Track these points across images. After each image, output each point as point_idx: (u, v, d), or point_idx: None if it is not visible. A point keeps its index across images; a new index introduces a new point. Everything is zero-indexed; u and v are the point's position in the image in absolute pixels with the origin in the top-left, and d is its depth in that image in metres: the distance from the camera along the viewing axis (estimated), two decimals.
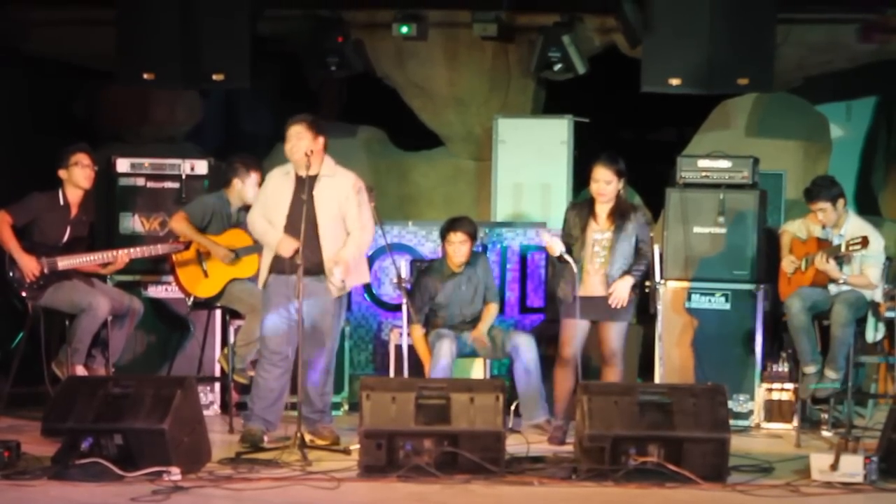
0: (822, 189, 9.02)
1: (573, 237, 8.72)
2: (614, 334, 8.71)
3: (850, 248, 8.77)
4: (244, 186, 9.21)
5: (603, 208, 8.71)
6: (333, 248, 8.28)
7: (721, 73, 9.91)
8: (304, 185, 8.21)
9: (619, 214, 8.69)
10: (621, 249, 8.67)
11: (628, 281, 8.65)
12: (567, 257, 8.61)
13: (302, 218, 8.11)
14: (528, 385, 9.17)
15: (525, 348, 9.18)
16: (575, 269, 8.61)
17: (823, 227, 9.06)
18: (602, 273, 8.68)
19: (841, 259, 8.92)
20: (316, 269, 8.25)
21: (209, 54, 10.14)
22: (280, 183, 8.41)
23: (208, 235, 9.17)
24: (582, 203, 8.88)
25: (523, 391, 9.17)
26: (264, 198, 8.45)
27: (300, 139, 8.23)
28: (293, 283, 8.19)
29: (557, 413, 8.78)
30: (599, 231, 8.70)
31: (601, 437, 7.44)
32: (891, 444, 7.60)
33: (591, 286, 8.68)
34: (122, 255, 9.10)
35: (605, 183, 8.65)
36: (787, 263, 9.18)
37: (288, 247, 8.21)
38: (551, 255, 8.78)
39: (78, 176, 9.07)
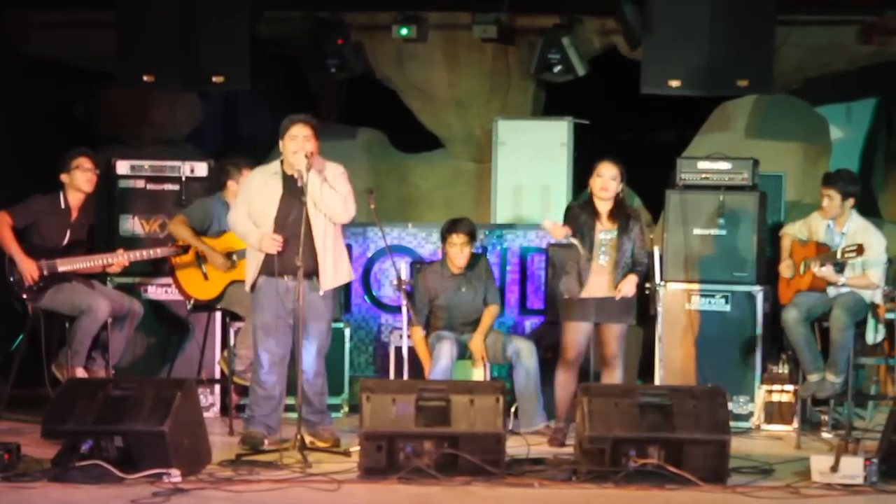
0: (840, 179, 9.04)
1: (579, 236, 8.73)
2: (616, 336, 8.72)
3: (846, 255, 8.76)
4: (239, 186, 9.19)
5: (604, 208, 8.71)
6: (326, 249, 8.28)
7: (721, 75, 9.91)
8: (294, 186, 8.19)
9: (623, 215, 8.70)
10: (626, 250, 8.68)
11: (634, 280, 8.67)
12: (574, 240, 8.59)
13: (292, 219, 8.11)
14: (527, 391, 9.16)
15: (526, 354, 9.18)
16: (582, 252, 8.60)
17: (827, 223, 9.06)
18: (607, 273, 8.68)
19: (839, 264, 8.91)
20: (309, 271, 8.23)
21: (209, 56, 10.13)
22: (267, 183, 8.33)
23: (206, 239, 9.16)
24: (583, 203, 8.87)
25: (522, 397, 9.16)
26: (247, 198, 8.38)
27: (308, 141, 8.21)
28: (284, 286, 8.19)
29: (559, 415, 8.79)
30: (604, 231, 8.71)
31: (601, 438, 7.44)
32: (891, 445, 7.60)
33: (595, 287, 8.68)
34: (122, 258, 9.09)
35: (611, 179, 8.66)
36: (785, 268, 9.19)
37: (271, 244, 8.19)
38: (557, 239, 8.73)
39: (80, 179, 9.07)
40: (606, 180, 8.68)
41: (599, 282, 8.69)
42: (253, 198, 8.34)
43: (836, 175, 9.14)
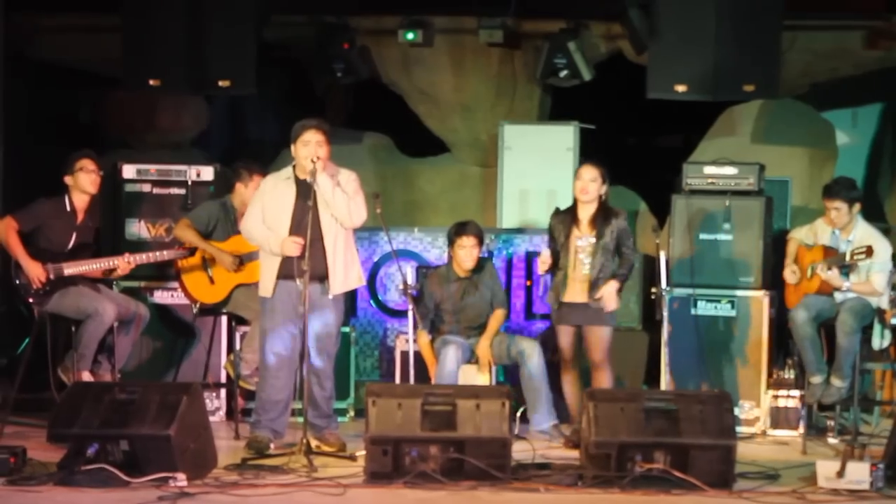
0: (842, 188, 9.04)
1: (558, 243, 8.80)
2: (599, 339, 8.78)
3: (855, 257, 8.77)
4: (247, 191, 9.21)
5: (585, 212, 8.78)
6: (337, 253, 8.29)
7: (727, 80, 9.91)
8: (308, 190, 8.21)
9: (602, 219, 8.75)
10: (604, 255, 8.72)
11: (614, 285, 8.72)
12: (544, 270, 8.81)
13: (306, 223, 8.11)
14: (535, 391, 9.16)
15: (531, 354, 9.17)
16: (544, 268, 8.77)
17: (833, 230, 9.06)
18: (586, 279, 8.73)
19: (847, 267, 8.91)
20: (320, 274, 8.25)
21: (215, 60, 10.14)
22: (280, 188, 8.38)
23: (213, 242, 9.17)
24: (566, 210, 8.93)
25: (529, 397, 9.17)
26: (261, 204, 8.41)
27: (321, 146, 8.24)
28: (296, 289, 8.18)
29: (574, 418, 8.82)
30: (582, 237, 8.77)
31: (607, 443, 7.45)
32: None
33: (575, 292, 8.78)
34: (128, 261, 9.10)
35: (590, 180, 8.74)
36: (789, 274, 9.18)
37: (292, 247, 8.20)
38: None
39: (83, 181, 9.08)
40: (585, 182, 8.75)
41: (578, 288, 8.77)
42: (267, 203, 8.37)
43: (836, 185, 9.12)
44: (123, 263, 9.07)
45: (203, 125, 12.19)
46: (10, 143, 10.23)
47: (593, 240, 8.76)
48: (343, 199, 8.23)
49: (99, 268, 9.09)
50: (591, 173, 8.77)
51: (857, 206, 9.05)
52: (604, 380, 8.77)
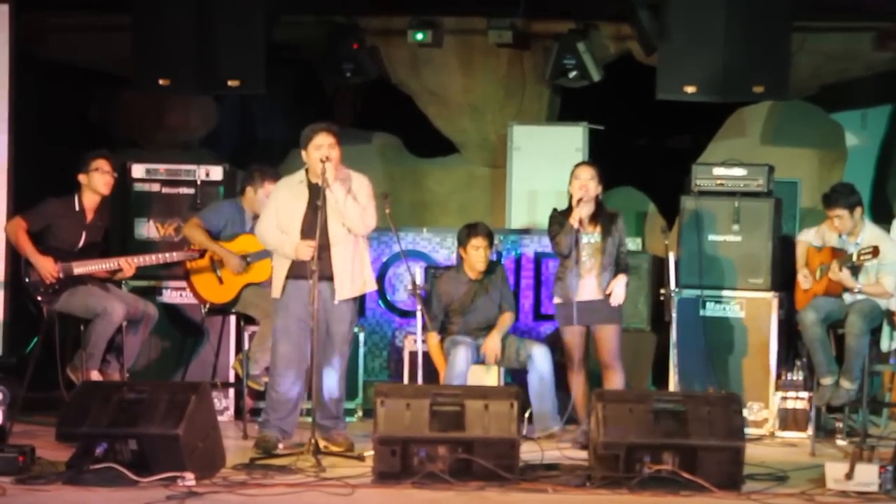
0: (840, 196, 9.02)
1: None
2: (610, 337, 8.77)
3: (861, 257, 8.77)
4: (256, 196, 9.22)
5: (584, 211, 8.76)
6: (345, 258, 8.28)
7: (736, 81, 9.90)
8: (319, 193, 8.21)
9: (605, 218, 8.79)
10: (610, 252, 8.74)
11: (623, 279, 8.75)
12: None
13: (316, 225, 8.11)
14: (542, 395, 9.17)
15: (540, 358, 9.18)
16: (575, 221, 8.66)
17: (840, 234, 9.05)
18: (593, 276, 8.76)
19: (857, 268, 8.90)
20: (329, 276, 8.25)
21: (224, 60, 10.14)
22: (293, 192, 8.39)
23: (220, 242, 9.17)
24: (563, 211, 8.93)
25: (537, 401, 9.17)
26: (275, 208, 8.42)
27: (332, 149, 8.24)
28: (307, 289, 8.18)
29: (581, 418, 8.80)
30: (587, 234, 8.76)
31: (616, 444, 7.44)
32: None
33: (582, 290, 8.75)
34: (136, 262, 9.10)
35: (589, 178, 8.76)
36: (802, 278, 9.16)
37: (306, 250, 8.20)
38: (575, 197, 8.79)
39: (97, 182, 9.09)
40: (585, 181, 8.77)
41: (585, 285, 8.78)
42: (280, 207, 8.38)
43: (834, 194, 9.09)
44: (130, 265, 9.07)
45: (212, 125, 12.19)
46: (20, 142, 10.24)
47: (598, 237, 8.76)
48: (354, 208, 8.22)
49: (108, 267, 9.10)
50: (588, 172, 8.80)
51: (858, 210, 9.02)
52: (616, 380, 8.75)
